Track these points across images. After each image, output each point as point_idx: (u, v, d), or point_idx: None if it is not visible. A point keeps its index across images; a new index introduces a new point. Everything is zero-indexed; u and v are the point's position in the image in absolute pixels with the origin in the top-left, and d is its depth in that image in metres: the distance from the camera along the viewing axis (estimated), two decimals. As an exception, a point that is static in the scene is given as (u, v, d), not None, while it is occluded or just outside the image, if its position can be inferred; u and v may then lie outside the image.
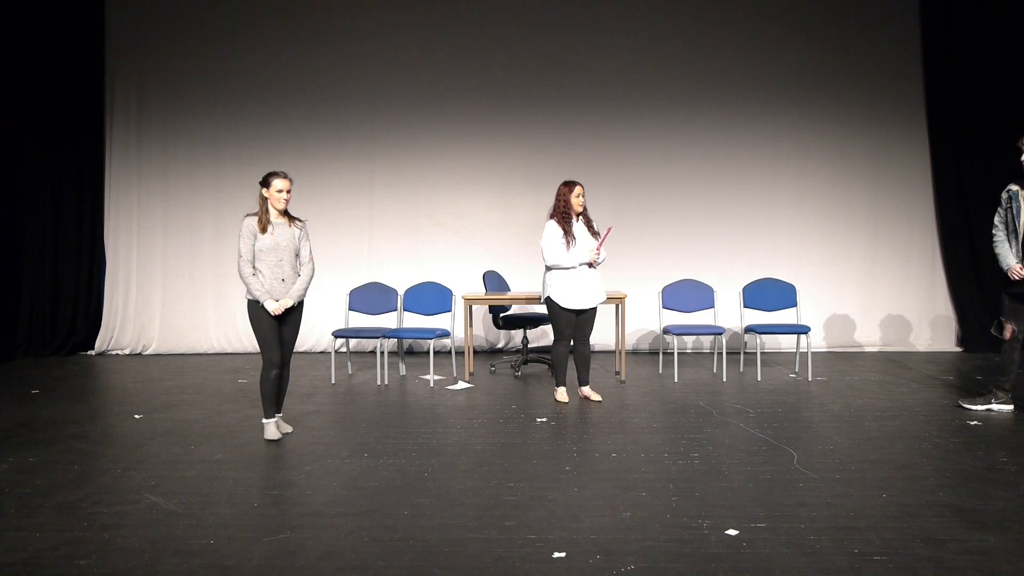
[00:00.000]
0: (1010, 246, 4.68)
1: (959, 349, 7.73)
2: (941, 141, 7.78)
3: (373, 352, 7.34)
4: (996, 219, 4.79)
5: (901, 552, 2.62)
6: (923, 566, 2.51)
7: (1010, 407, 4.82)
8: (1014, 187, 4.67)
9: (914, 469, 3.61)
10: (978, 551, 2.63)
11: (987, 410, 4.83)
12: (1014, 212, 4.65)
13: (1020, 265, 4.59)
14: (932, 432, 4.32)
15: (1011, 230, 4.67)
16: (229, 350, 7.97)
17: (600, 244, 5.14)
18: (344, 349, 6.97)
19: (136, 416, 4.93)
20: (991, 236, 4.83)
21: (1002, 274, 4.74)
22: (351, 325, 6.48)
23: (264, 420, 4.27)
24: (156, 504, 3.19)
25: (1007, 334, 4.75)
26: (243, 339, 7.88)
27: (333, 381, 6.17)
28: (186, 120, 8.05)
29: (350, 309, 6.48)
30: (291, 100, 8.00)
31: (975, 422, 4.56)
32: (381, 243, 8.02)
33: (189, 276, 8.04)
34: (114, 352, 7.97)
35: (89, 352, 7.98)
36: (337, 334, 6.19)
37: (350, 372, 6.61)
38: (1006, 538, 2.74)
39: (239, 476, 3.60)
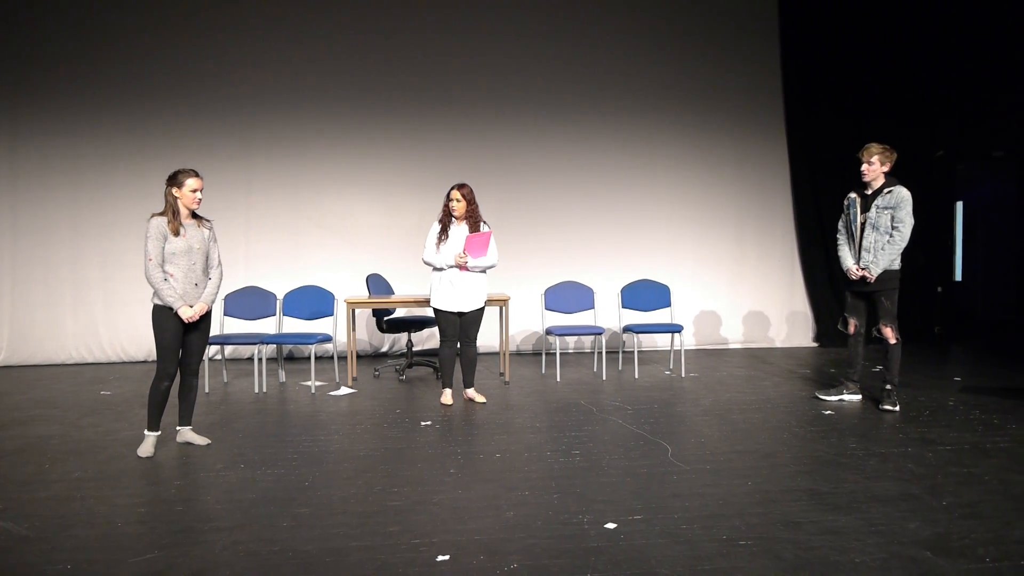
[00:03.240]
0: (849, 249, 5.11)
1: (815, 344, 8.36)
2: (798, 152, 8.40)
3: (250, 359, 7.05)
4: (840, 224, 5.23)
5: (764, 536, 2.81)
6: (784, 548, 2.70)
7: (858, 396, 5.28)
8: (852, 195, 5.12)
9: (775, 457, 3.87)
10: (831, 531, 2.86)
11: (839, 400, 5.26)
12: (851, 217, 5.09)
13: (857, 266, 5.02)
14: (792, 422, 4.65)
15: (850, 234, 5.11)
16: (90, 360, 7.42)
17: (467, 249, 5.10)
18: (219, 356, 6.66)
19: (-20, 434, 4.51)
20: (836, 240, 5.26)
21: (845, 274, 5.16)
22: (226, 331, 6.20)
23: (146, 432, 4.02)
24: (4, 529, 2.93)
25: (851, 329, 5.20)
26: (105, 348, 7.38)
27: (207, 390, 5.87)
28: (39, 113, 7.39)
29: (225, 314, 6.20)
30: (159, 94, 7.52)
31: (829, 412, 4.95)
32: (259, 246, 7.70)
33: (43, 281, 7.40)
34: (-46, 365, 7.25)
35: (-77, 365, 7.22)
36: (211, 341, 5.88)
37: (225, 380, 6.32)
38: (855, 517, 2.99)
39: (101, 494, 3.36)
